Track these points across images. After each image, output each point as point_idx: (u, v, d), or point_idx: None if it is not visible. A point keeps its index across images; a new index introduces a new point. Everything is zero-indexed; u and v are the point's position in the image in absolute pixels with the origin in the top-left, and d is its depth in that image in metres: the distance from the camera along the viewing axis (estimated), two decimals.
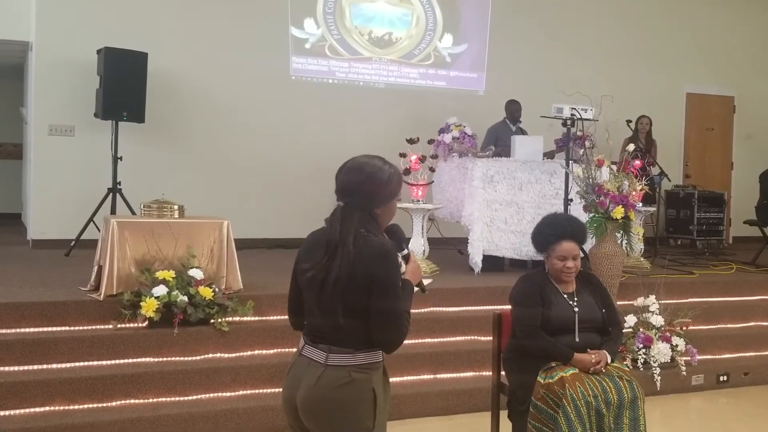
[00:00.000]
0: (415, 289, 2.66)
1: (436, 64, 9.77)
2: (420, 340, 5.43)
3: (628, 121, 8.96)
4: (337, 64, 9.29)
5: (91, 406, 4.34)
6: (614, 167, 6.26)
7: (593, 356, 3.64)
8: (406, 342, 5.56)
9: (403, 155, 6.77)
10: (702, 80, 11.15)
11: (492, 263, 6.88)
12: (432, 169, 7.10)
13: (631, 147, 6.33)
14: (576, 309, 3.76)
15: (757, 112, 11.52)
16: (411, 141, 6.93)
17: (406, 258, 2.64)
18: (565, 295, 3.79)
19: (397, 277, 2.44)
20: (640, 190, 6.24)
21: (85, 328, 4.77)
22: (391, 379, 5.13)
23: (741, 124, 11.55)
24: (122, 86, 7.32)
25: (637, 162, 6.90)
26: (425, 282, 2.75)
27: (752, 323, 6.54)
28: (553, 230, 3.77)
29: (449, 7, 9.82)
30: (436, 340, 5.49)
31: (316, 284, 2.47)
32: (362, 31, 9.44)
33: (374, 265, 2.39)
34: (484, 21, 9.95)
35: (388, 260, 2.42)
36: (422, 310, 5.69)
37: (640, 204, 6.49)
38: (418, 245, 6.75)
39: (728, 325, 6.40)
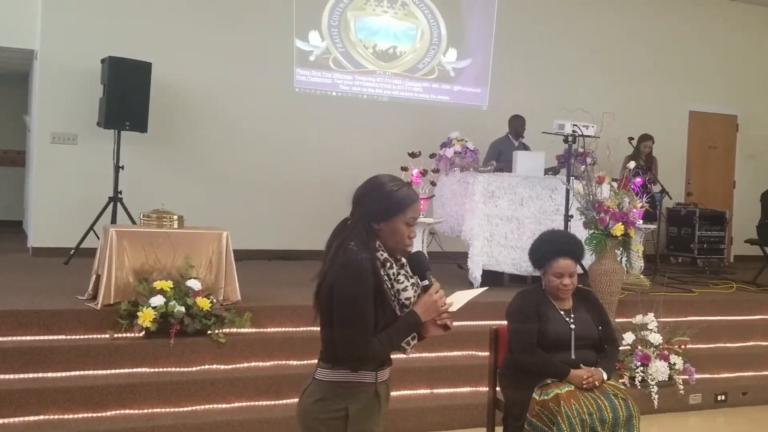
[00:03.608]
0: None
1: (439, 78, 9.80)
2: (417, 355, 5.39)
3: (630, 139, 8.96)
4: (341, 76, 9.32)
5: (85, 415, 4.32)
6: (615, 184, 6.25)
7: (586, 372, 3.63)
8: (402, 356, 5.56)
9: (404, 169, 6.79)
10: (705, 98, 11.16)
11: (491, 278, 6.86)
12: (433, 183, 7.12)
13: (632, 164, 6.33)
14: (572, 326, 3.75)
15: (760, 131, 11.52)
16: (413, 155, 6.95)
17: (425, 289, 2.50)
18: (562, 312, 3.79)
19: (354, 292, 2.34)
20: (641, 207, 6.23)
21: (82, 337, 4.76)
22: None
23: (744, 143, 11.56)
24: (125, 96, 7.34)
25: (639, 179, 6.90)
26: (470, 296, 2.61)
27: (751, 343, 6.51)
28: (550, 247, 3.77)
29: (454, 22, 9.86)
30: (433, 354, 5.47)
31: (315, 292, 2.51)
32: (367, 44, 9.47)
33: (337, 276, 2.37)
34: (488, 36, 9.99)
35: (349, 272, 2.35)
36: None
37: (641, 221, 6.48)
38: None
39: (727, 345, 6.37)
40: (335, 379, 2.42)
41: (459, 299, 2.57)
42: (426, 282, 2.50)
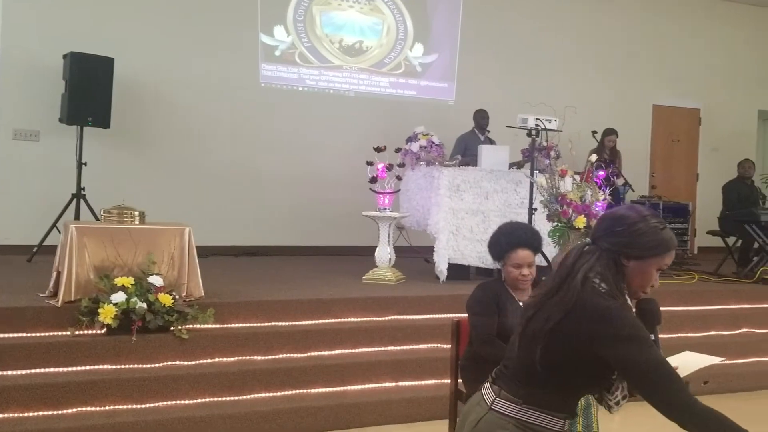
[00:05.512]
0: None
1: (406, 73, 9.82)
2: (382, 348, 5.45)
3: (594, 133, 9.05)
4: (307, 71, 9.30)
5: (45, 413, 4.28)
6: (577, 177, 6.31)
7: None
8: (368, 350, 5.59)
9: (370, 163, 6.80)
10: (668, 93, 11.30)
11: (458, 272, 6.91)
12: (399, 178, 7.13)
13: (594, 157, 6.39)
14: None
15: (722, 125, 11.69)
16: (378, 149, 6.95)
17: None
18: (521, 303, 3.81)
19: (645, 355, 2.01)
20: (603, 200, 6.29)
21: (42, 334, 4.71)
22: (351, 387, 5.17)
23: (706, 136, 11.71)
24: (88, 91, 7.27)
25: (602, 172, 6.96)
26: (702, 363, 2.43)
27: (713, 332, 6.61)
28: (508, 239, 3.79)
29: (420, 17, 9.88)
30: (398, 348, 5.50)
31: (527, 315, 2.23)
32: (333, 39, 9.46)
33: (600, 338, 2.04)
34: (454, 31, 10.02)
35: (624, 331, 2.03)
36: (385, 318, 5.71)
37: None
38: (384, 254, 6.78)
39: (689, 334, 6.46)
40: (522, 418, 2.17)
41: (687, 365, 2.39)
42: (652, 336, 2.19)
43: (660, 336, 2.58)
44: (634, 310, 2.23)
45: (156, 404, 4.52)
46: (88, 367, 4.58)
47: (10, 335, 4.66)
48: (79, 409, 4.36)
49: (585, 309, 2.07)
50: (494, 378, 2.29)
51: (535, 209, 6.53)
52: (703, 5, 11.59)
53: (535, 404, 2.16)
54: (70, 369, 4.55)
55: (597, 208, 6.13)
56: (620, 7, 10.94)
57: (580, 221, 5.90)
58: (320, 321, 5.51)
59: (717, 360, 2.56)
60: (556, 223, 6.05)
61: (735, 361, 6.27)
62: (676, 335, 6.40)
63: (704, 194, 11.31)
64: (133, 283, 4.85)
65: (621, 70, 10.90)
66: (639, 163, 10.90)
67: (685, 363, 2.38)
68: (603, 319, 2.05)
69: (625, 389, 2.25)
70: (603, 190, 6.44)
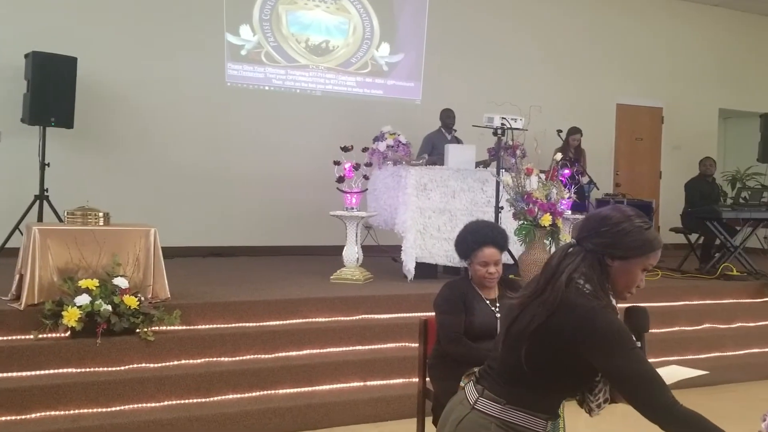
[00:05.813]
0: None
1: (373, 72, 9.83)
2: (350, 348, 5.44)
3: (559, 131, 9.14)
4: (273, 71, 9.26)
5: (8, 418, 4.22)
6: (543, 176, 6.37)
7: None
8: (336, 350, 5.58)
9: (337, 163, 6.79)
10: (632, 92, 11.46)
11: (425, 270, 6.93)
12: (366, 177, 7.13)
13: (559, 156, 6.45)
14: (498, 315, 3.81)
15: (684, 123, 11.88)
16: (345, 149, 6.95)
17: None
18: (488, 301, 3.84)
19: (628, 362, 2.02)
20: (568, 198, 6.36)
21: (4, 338, 4.64)
22: (320, 388, 5.16)
23: (669, 135, 11.90)
24: (50, 91, 7.16)
25: (567, 171, 7.03)
26: (686, 374, 2.44)
27: (676, 328, 6.70)
28: (474, 237, 3.82)
29: (386, 16, 9.90)
30: (366, 347, 5.50)
31: (512, 315, 2.22)
32: (299, 38, 9.43)
33: (583, 339, 2.05)
34: (420, 31, 10.05)
35: (606, 338, 2.04)
36: (353, 318, 5.72)
37: (569, 212, 6.62)
38: (352, 253, 6.78)
39: (652, 330, 6.45)
40: (505, 418, 2.18)
41: (672, 374, 2.39)
42: (638, 344, 2.20)
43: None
44: (625, 307, 2.26)
45: (122, 407, 4.47)
46: (52, 371, 4.52)
47: None
48: (44, 413, 4.30)
49: (568, 309, 2.08)
50: (478, 377, 2.30)
51: (502, 208, 6.58)
52: (664, 5, 11.77)
53: (517, 404, 2.18)
54: (33, 373, 4.48)
55: (562, 207, 6.21)
56: (584, 7, 11.07)
57: (546, 219, 5.96)
58: (288, 321, 5.50)
59: (701, 373, 2.59)
60: (522, 222, 6.10)
61: (698, 356, 6.37)
62: None
63: (667, 192, 11.49)
64: (98, 285, 4.79)
65: (585, 70, 11.02)
66: (603, 161, 11.04)
67: (671, 374, 2.40)
68: (586, 319, 2.06)
69: (607, 392, 2.24)
70: (568, 188, 6.51)
